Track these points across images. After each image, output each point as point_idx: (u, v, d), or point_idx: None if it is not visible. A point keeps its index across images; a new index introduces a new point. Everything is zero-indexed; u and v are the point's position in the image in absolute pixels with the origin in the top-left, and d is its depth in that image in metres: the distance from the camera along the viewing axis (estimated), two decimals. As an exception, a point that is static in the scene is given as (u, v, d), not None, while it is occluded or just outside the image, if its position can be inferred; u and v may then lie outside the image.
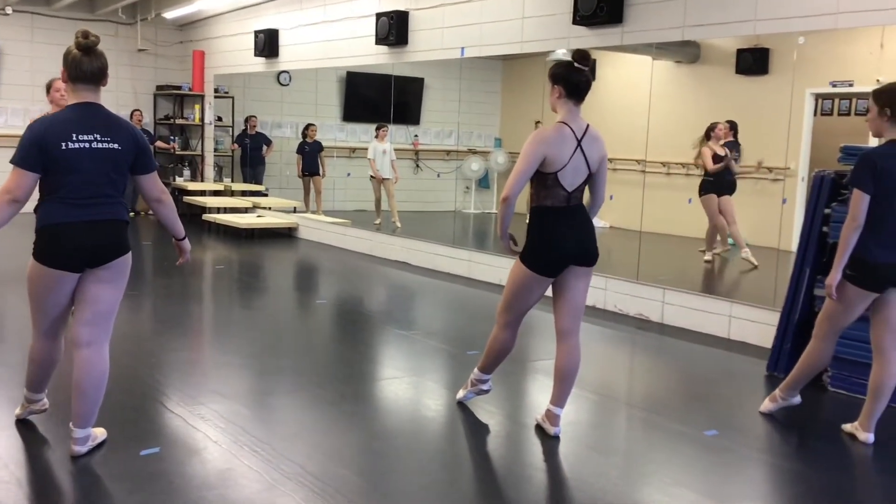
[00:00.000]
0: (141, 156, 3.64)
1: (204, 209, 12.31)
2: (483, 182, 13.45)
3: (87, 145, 3.48)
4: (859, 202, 4.00)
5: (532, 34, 8.01)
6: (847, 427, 4.32)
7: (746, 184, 9.33)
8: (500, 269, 8.36)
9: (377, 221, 11.22)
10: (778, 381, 5.25)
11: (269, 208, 12.41)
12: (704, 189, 8.46)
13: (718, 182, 8.37)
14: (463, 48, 8.77)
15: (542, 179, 3.93)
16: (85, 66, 3.51)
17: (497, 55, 9.36)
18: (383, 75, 10.56)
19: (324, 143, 12.25)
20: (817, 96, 8.18)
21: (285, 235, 11.63)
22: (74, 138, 3.46)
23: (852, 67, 7.71)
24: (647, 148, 7.82)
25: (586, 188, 4.06)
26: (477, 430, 4.33)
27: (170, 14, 12.92)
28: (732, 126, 9.12)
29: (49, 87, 5.81)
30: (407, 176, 11.23)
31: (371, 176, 11.37)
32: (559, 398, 4.10)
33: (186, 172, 13.44)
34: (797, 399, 4.56)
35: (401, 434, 4.25)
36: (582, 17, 7.29)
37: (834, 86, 8.01)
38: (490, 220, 13.03)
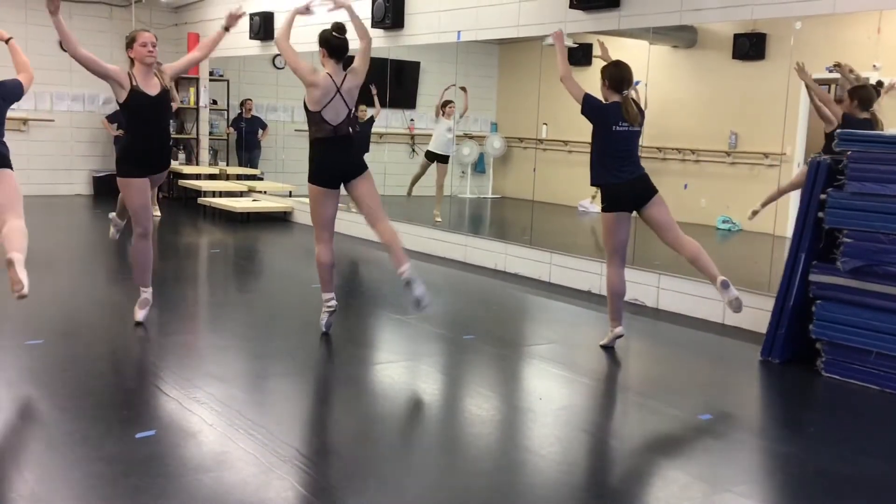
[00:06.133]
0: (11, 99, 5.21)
1: (199, 193, 12.27)
2: (479, 166, 13.42)
3: None
4: (578, 91, 5.18)
5: (529, 18, 7.97)
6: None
7: (742, 169, 9.33)
8: (496, 254, 8.37)
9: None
10: (772, 366, 5.30)
11: (265, 192, 12.38)
12: None
13: None
14: (459, 32, 8.73)
15: (312, 117, 5.14)
16: None
17: (493, 39, 9.32)
18: (379, 59, 10.50)
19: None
20: (814, 81, 8.14)
21: (281, 219, 11.61)
22: None
23: (849, 52, 7.68)
24: (642, 133, 7.78)
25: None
26: (473, 415, 4.34)
27: (164, -4, 12.84)
28: None
29: (132, 41, 5.26)
30: (402, 160, 11.15)
31: (426, 152, 10.79)
32: (398, 261, 5.20)
33: (181, 156, 13.38)
34: (620, 329, 5.42)
35: (396, 418, 4.26)
36: (579, 0, 7.26)
37: (830, 71, 7.99)
38: (486, 204, 13.02)
